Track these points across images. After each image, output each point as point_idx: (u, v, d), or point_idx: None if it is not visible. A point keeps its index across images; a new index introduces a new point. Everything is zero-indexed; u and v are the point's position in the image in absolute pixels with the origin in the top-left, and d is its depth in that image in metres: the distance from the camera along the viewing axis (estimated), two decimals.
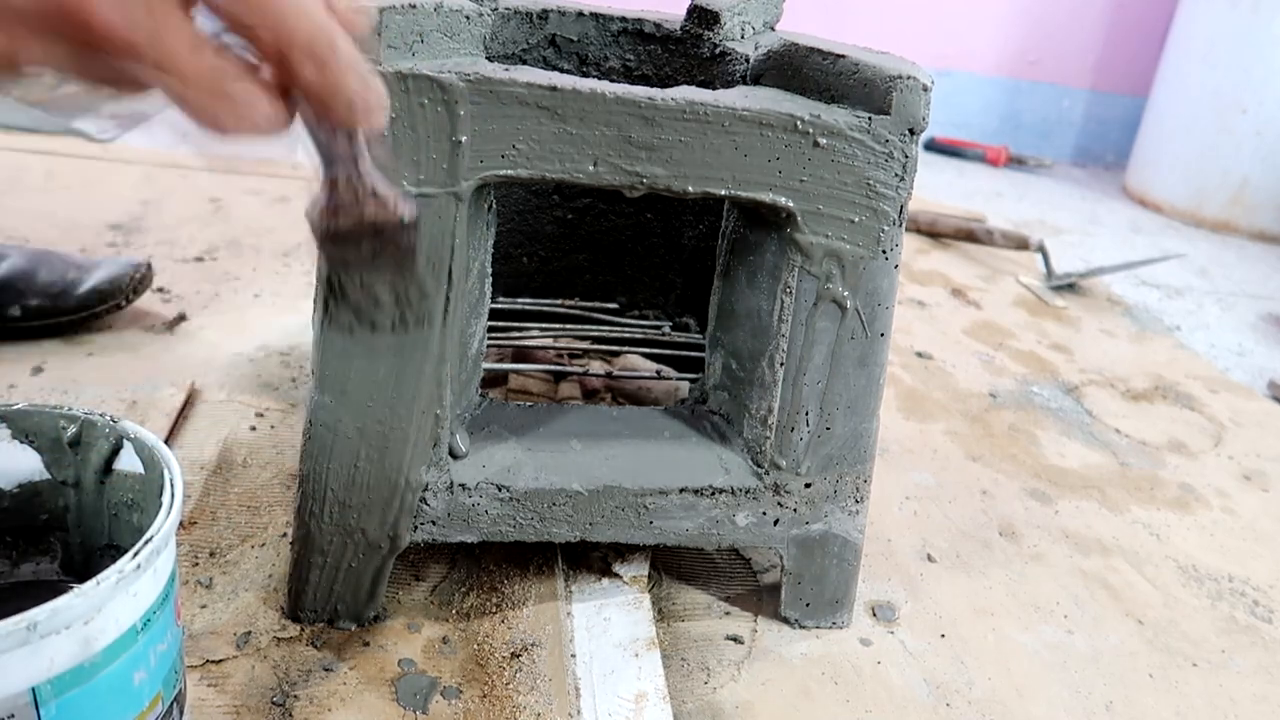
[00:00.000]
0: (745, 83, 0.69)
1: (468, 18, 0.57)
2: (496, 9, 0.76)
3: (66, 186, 1.41)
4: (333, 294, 0.53)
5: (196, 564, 0.69)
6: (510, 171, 0.56)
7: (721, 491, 0.66)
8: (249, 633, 0.63)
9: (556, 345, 0.93)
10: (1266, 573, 0.89)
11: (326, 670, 0.61)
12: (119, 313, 1.00)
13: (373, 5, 0.53)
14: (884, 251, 0.63)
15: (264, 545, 0.71)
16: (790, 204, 0.60)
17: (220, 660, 0.61)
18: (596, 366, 0.98)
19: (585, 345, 0.92)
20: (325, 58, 0.35)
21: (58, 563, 0.53)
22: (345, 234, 0.49)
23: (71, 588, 0.37)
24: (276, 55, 0.34)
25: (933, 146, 2.65)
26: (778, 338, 0.64)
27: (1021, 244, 1.65)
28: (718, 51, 0.76)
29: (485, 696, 0.61)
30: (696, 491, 0.66)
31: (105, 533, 0.51)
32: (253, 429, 0.86)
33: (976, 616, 0.77)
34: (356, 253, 0.50)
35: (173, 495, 0.44)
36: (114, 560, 0.39)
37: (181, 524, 0.72)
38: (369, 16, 0.39)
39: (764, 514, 0.67)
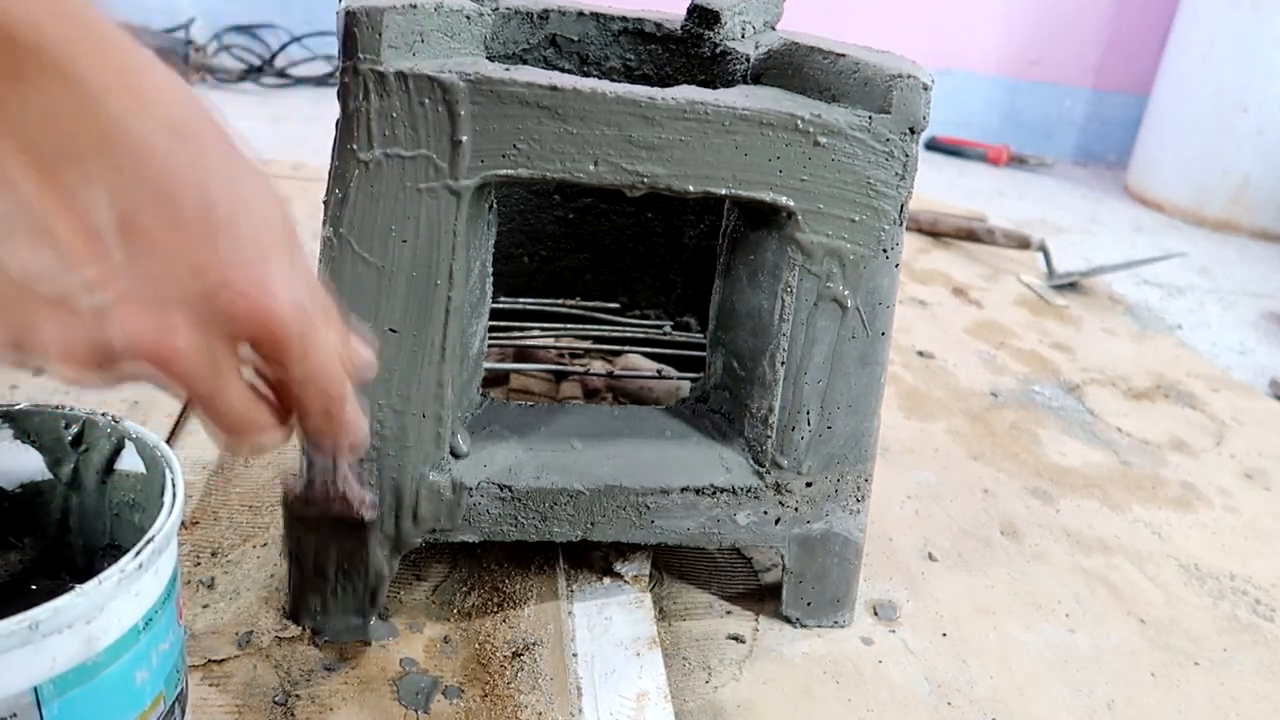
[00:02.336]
0: (746, 82, 0.69)
1: (468, 18, 0.57)
2: (497, 9, 0.76)
3: None
4: (293, 560, 0.62)
5: (198, 564, 0.69)
6: (511, 171, 0.56)
7: (722, 491, 0.66)
8: (251, 632, 0.63)
9: (558, 345, 0.93)
10: (1268, 571, 0.89)
11: (328, 670, 0.61)
12: None
13: (373, 7, 0.53)
14: (885, 250, 0.63)
15: (266, 545, 0.71)
16: (791, 203, 0.60)
17: (222, 660, 0.61)
18: (598, 366, 0.98)
19: (586, 345, 0.92)
20: (334, 413, 0.41)
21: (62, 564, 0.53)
22: (310, 520, 0.59)
23: (73, 587, 0.37)
24: (299, 404, 0.40)
25: (934, 146, 2.65)
26: (778, 337, 0.64)
27: (1023, 243, 1.65)
28: (718, 51, 0.76)
29: (487, 696, 0.61)
30: (698, 491, 0.66)
31: (107, 533, 0.51)
32: None
33: (978, 615, 0.77)
34: (315, 535, 0.61)
35: (174, 495, 0.44)
36: (116, 560, 0.39)
37: (183, 524, 0.72)
38: (374, 365, 0.45)
39: (765, 513, 0.67)
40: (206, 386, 0.37)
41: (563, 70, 0.78)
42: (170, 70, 0.36)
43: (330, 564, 0.62)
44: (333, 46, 2.35)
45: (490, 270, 0.66)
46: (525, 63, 0.80)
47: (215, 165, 0.36)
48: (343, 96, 0.54)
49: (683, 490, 0.65)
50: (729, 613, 0.72)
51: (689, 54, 0.79)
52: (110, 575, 0.38)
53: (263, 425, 0.40)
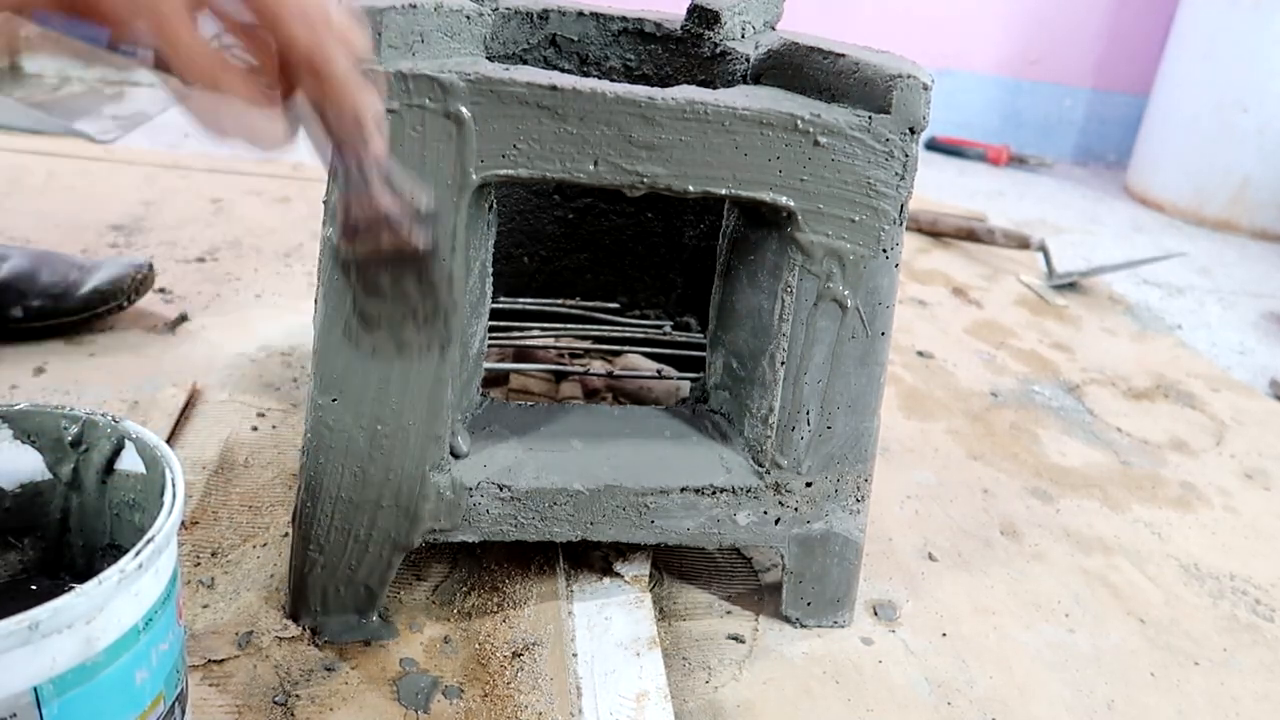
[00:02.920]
0: (745, 82, 0.69)
1: (468, 18, 0.57)
2: (497, 9, 0.76)
3: (68, 188, 1.41)
4: (363, 321, 0.54)
5: (198, 564, 0.69)
6: (511, 171, 0.56)
7: (722, 490, 0.66)
8: (251, 632, 0.63)
9: (557, 345, 0.93)
10: (1268, 571, 0.89)
11: (328, 670, 0.61)
12: (121, 313, 1.00)
13: (373, 7, 0.53)
14: (884, 250, 0.63)
15: (266, 545, 0.71)
16: (791, 203, 0.60)
17: (222, 660, 0.61)
18: (597, 366, 0.98)
19: (586, 345, 0.92)
20: (321, 69, 0.37)
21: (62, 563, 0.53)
22: (365, 259, 0.49)
23: (73, 587, 0.37)
24: (276, 61, 0.36)
25: (934, 146, 2.65)
26: (778, 337, 0.64)
27: (1023, 243, 1.65)
28: (718, 51, 0.76)
29: (487, 696, 0.61)
30: (697, 491, 0.66)
31: (107, 533, 0.51)
32: (254, 429, 0.86)
33: (978, 615, 0.77)
34: (378, 280, 0.51)
35: (174, 495, 0.44)
36: (115, 560, 0.39)
37: (183, 524, 0.72)
38: (367, 31, 0.41)
39: (765, 513, 0.67)
40: (142, 13, 0.34)
41: (563, 70, 0.78)
42: None
43: (332, 558, 0.62)
44: None
45: (490, 270, 0.66)
46: (525, 63, 0.80)
47: None
48: None
49: (682, 490, 0.65)
50: (729, 613, 0.72)
51: (689, 54, 0.79)
52: (110, 575, 0.38)
53: (230, 69, 0.36)
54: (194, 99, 0.35)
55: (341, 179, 0.46)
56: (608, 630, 0.67)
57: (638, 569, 0.72)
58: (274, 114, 0.37)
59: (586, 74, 0.81)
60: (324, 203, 0.57)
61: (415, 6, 0.54)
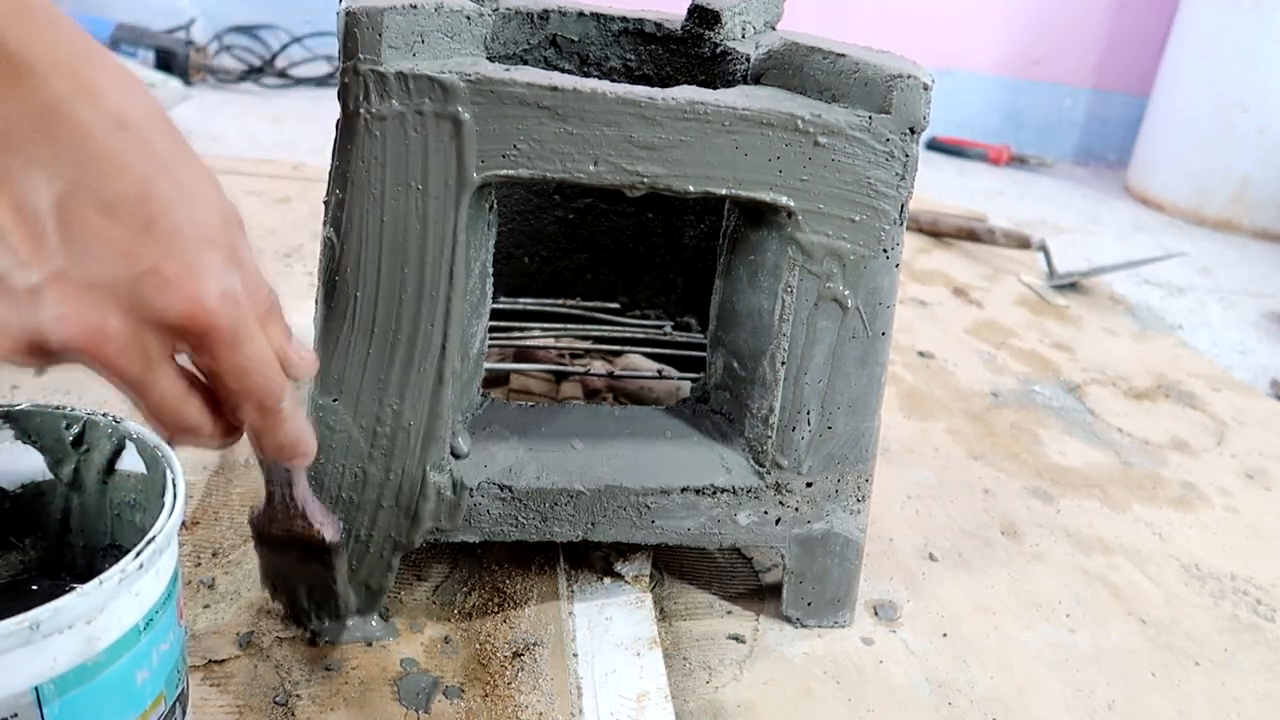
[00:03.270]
0: (746, 82, 0.69)
1: (469, 18, 0.57)
2: (497, 9, 0.76)
3: None
4: (271, 587, 0.63)
5: (199, 564, 0.69)
6: (511, 171, 0.56)
7: (723, 491, 0.66)
8: (251, 633, 0.63)
9: (558, 345, 0.93)
10: (1269, 571, 0.89)
11: (329, 670, 0.61)
12: None
13: (373, 8, 0.53)
14: (885, 250, 0.63)
15: None
16: (791, 203, 0.60)
17: (223, 660, 0.61)
18: (598, 366, 0.98)
19: (587, 345, 0.92)
20: (270, 408, 0.42)
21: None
22: (276, 540, 0.58)
23: (74, 587, 0.38)
24: (232, 397, 0.41)
25: (934, 146, 2.65)
26: (779, 337, 0.64)
27: (1023, 243, 1.65)
28: (718, 51, 0.76)
29: (487, 696, 0.61)
30: (698, 491, 0.66)
31: (108, 533, 0.51)
32: None
33: (978, 615, 0.77)
34: (285, 558, 0.60)
35: (175, 495, 0.44)
36: (116, 560, 0.39)
37: (184, 524, 0.72)
38: (314, 364, 0.46)
39: (765, 513, 0.67)
40: (135, 375, 0.37)
41: (563, 71, 0.78)
42: (120, 63, 0.36)
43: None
44: (333, 47, 2.35)
45: (490, 270, 0.66)
46: (525, 63, 0.80)
47: (157, 155, 0.36)
48: (343, 97, 0.54)
49: (683, 490, 0.65)
50: (729, 613, 0.72)
51: (689, 54, 0.79)
52: (111, 576, 0.38)
53: (195, 420, 0.40)
54: (158, 417, 0.40)
55: (270, 476, 0.54)
56: (608, 630, 0.67)
57: (638, 569, 0.72)
58: (220, 430, 0.42)
59: (587, 74, 0.81)
60: (324, 203, 0.57)
61: (416, 7, 0.54)
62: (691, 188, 0.59)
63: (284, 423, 0.43)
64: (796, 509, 0.68)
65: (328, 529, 0.57)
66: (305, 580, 0.61)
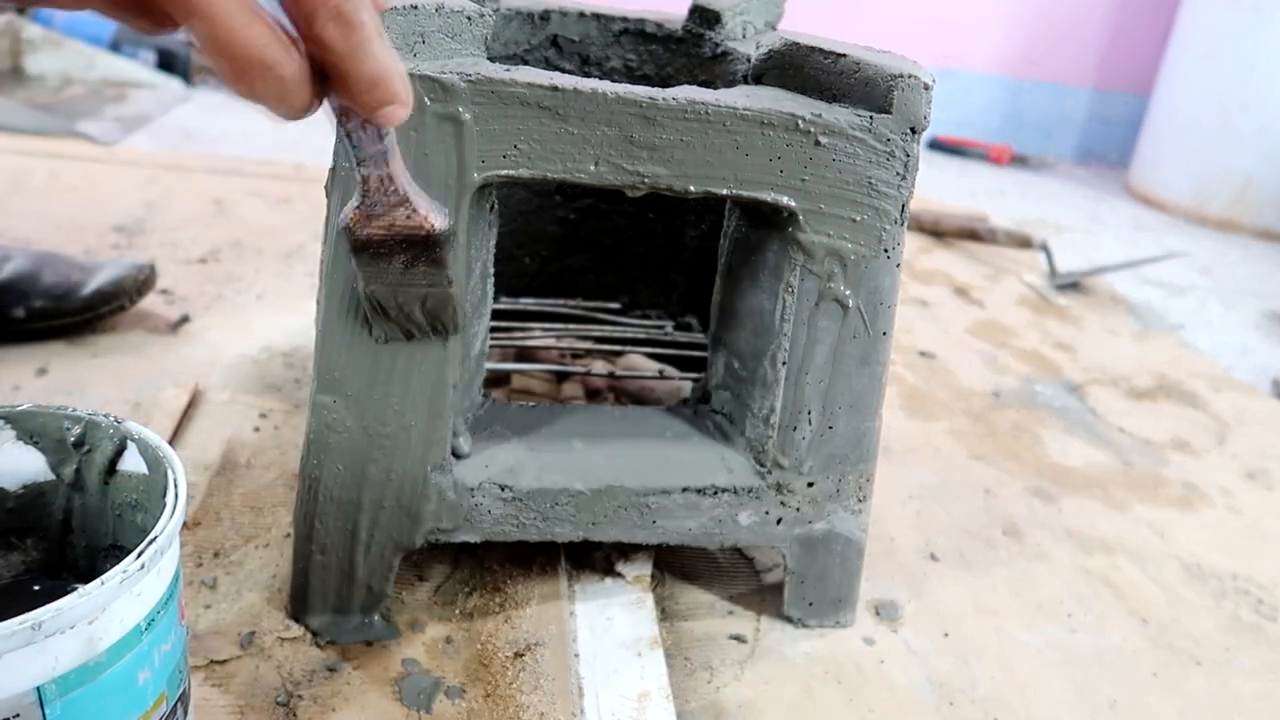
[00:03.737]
0: (746, 82, 0.69)
1: (469, 18, 0.57)
2: (498, 10, 0.76)
3: (70, 188, 1.41)
4: (372, 309, 0.54)
5: (200, 564, 0.69)
6: (512, 171, 0.56)
7: (724, 491, 0.66)
8: (253, 633, 0.63)
9: (559, 345, 0.93)
10: (1270, 571, 0.89)
11: (330, 670, 0.61)
12: (123, 314, 1.01)
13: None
14: (886, 250, 0.63)
15: (268, 546, 0.71)
16: (792, 203, 0.60)
17: (224, 660, 0.61)
18: (599, 366, 0.98)
19: (588, 345, 0.92)
20: (350, 21, 0.35)
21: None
22: (378, 243, 0.48)
23: (75, 588, 0.38)
24: (305, 12, 0.35)
25: (936, 145, 2.65)
26: (780, 337, 0.64)
27: (1024, 243, 1.65)
28: (719, 51, 0.76)
29: (489, 696, 0.61)
30: (699, 491, 0.66)
31: (109, 533, 0.51)
32: (256, 430, 0.86)
33: (980, 615, 0.77)
34: (389, 265, 0.50)
35: (176, 496, 0.44)
36: (118, 561, 0.39)
37: (185, 524, 0.72)
38: None
39: (767, 513, 0.67)
40: None
41: (564, 71, 0.79)
42: None
43: (334, 559, 0.62)
44: None
45: (491, 270, 0.66)
46: (526, 63, 0.80)
47: None
48: None
49: (684, 490, 0.65)
50: (731, 613, 0.72)
51: (690, 54, 0.79)
52: (112, 576, 0.38)
53: (262, 44, 0.34)
54: (221, 44, 0.34)
55: (360, 154, 0.44)
56: (610, 630, 0.67)
57: (640, 569, 0.72)
58: (302, 70, 0.35)
59: (588, 74, 0.81)
60: (326, 203, 0.57)
61: (416, 7, 0.54)
62: (692, 188, 0.59)
63: (370, 42, 0.36)
64: (798, 509, 0.68)
65: (436, 217, 0.48)
66: (416, 288, 0.52)
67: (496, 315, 0.93)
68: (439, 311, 0.54)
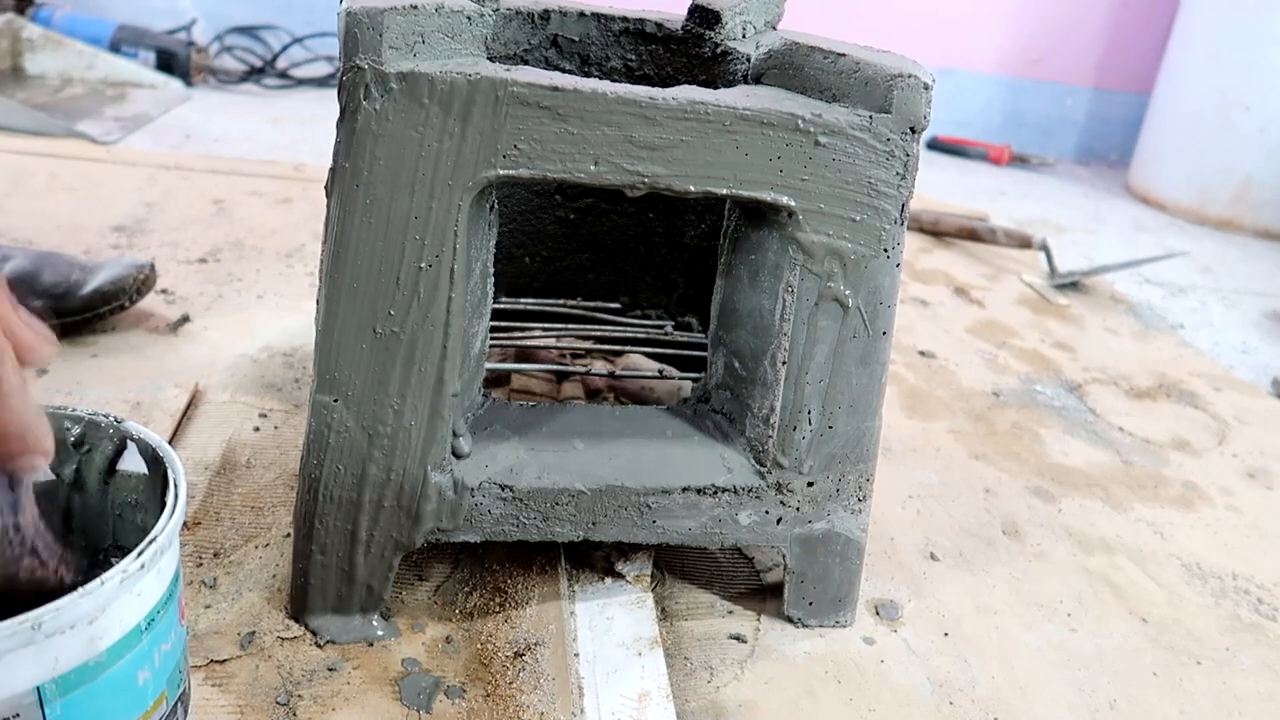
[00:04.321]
0: (746, 82, 0.69)
1: (469, 18, 0.57)
2: (498, 10, 0.76)
3: (70, 189, 1.41)
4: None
5: (200, 564, 0.69)
6: (512, 171, 0.56)
7: (724, 490, 0.66)
8: (253, 633, 0.63)
9: (559, 345, 0.93)
10: (1270, 570, 0.89)
11: (330, 670, 0.61)
12: (123, 314, 1.01)
13: (374, 8, 0.53)
14: (886, 250, 0.63)
15: (268, 545, 0.71)
16: (792, 203, 0.60)
17: (224, 660, 0.61)
18: (599, 366, 0.98)
19: (588, 345, 0.92)
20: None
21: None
22: (3, 585, 0.43)
23: (76, 588, 0.38)
24: None
25: (935, 145, 2.65)
26: (780, 336, 0.64)
27: (1024, 242, 1.65)
28: (719, 51, 0.76)
29: (489, 696, 0.61)
30: (699, 490, 0.66)
31: (109, 533, 0.51)
32: (256, 430, 0.86)
33: (980, 615, 0.77)
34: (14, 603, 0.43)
35: (176, 496, 0.44)
36: (118, 561, 0.39)
37: (185, 524, 0.72)
38: (52, 350, 0.37)
39: (767, 513, 0.67)
40: None
41: (564, 71, 0.79)
42: None
43: (334, 559, 0.62)
44: (334, 47, 2.35)
45: (491, 270, 0.66)
46: (526, 63, 0.80)
47: None
48: (343, 97, 0.54)
49: (684, 490, 0.65)
50: (731, 612, 0.72)
51: (690, 54, 0.79)
52: (112, 576, 0.38)
53: None
54: None
55: None
56: (610, 630, 0.67)
57: (639, 569, 0.72)
58: None
59: (588, 74, 0.81)
60: (326, 203, 0.57)
61: (416, 7, 0.54)
62: (692, 187, 0.59)
63: (7, 398, 0.35)
64: (798, 508, 0.68)
65: (65, 570, 0.44)
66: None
67: (496, 315, 0.93)
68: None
